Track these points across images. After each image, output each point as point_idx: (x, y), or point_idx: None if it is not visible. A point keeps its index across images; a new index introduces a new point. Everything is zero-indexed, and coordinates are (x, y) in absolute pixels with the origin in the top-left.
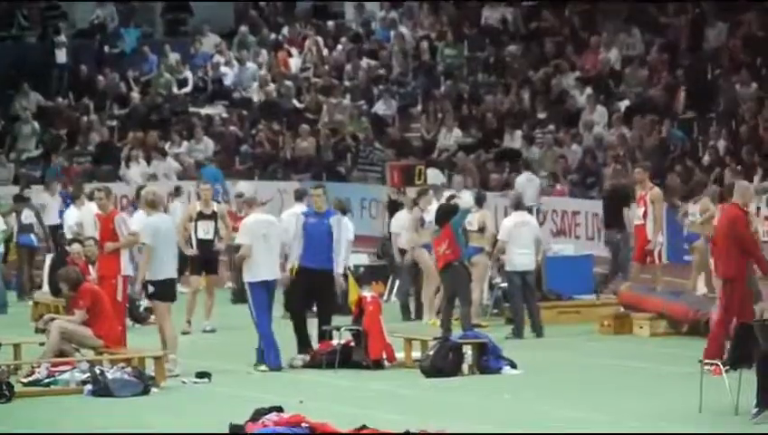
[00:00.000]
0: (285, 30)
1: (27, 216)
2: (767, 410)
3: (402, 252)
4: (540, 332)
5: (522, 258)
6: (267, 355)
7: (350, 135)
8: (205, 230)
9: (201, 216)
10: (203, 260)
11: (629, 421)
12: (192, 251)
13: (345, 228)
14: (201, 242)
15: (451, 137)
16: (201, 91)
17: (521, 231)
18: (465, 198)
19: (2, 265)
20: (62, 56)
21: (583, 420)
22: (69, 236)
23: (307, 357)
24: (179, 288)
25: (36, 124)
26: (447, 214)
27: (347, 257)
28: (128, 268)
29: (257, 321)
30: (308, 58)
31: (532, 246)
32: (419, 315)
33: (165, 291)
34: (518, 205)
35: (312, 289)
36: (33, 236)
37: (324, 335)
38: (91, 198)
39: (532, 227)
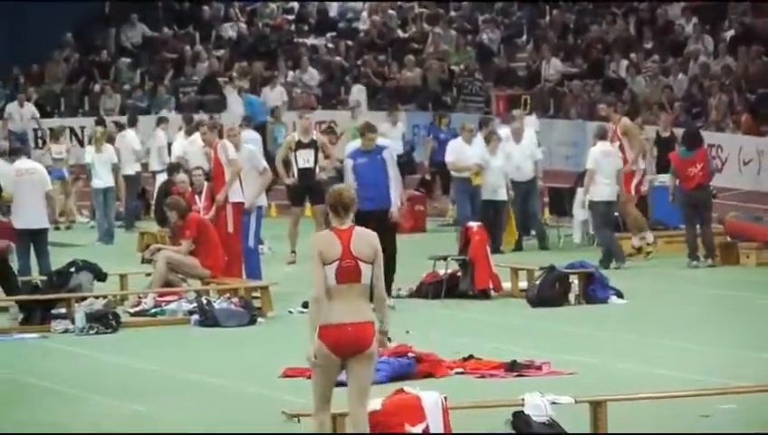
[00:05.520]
0: None
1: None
2: None
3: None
4: (621, 261)
5: (606, 188)
6: None
7: (455, 65)
8: (305, 159)
9: (300, 145)
10: (305, 189)
11: (732, 350)
12: (291, 180)
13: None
14: (302, 171)
15: (556, 67)
16: (306, 22)
17: (606, 161)
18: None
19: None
20: None
21: (686, 350)
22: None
23: (413, 287)
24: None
25: (142, 55)
26: (699, 137)
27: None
28: (236, 195)
29: None
30: None
31: (614, 177)
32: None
33: None
34: (603, 135)
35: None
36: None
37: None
38: (197, 128)
39: (616, 159)
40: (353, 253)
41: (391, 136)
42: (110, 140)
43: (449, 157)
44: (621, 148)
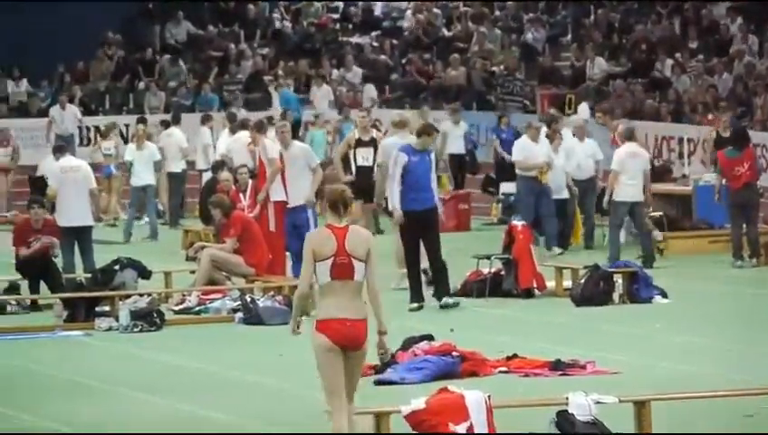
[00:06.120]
0: None
1: (170, 144)
2: None
3: None
4: (650, 263)
5: (630, 189)
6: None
7: (499, 64)
8: (364, 157)
9: (360, 143)
10: (360, 187)
11: None
12: (348, 177)
13: None
14: (360, 169)
15: (600, 66)
16: (351, 21)
17: (632, 162)
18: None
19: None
20: None
21: (730, 350)
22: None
23: (457, 286)
24: None
25: (187, 53)
26: (747, 136)
27: None
28: (278, 194)
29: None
30: None
31: (640, 178)
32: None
33: None
34: (630, 136)
35: (419, 233)
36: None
37: (439, 277)
38: (242, 126)
39: (643, 159)
40: (347, 250)
41: (454, 135)
42: (150, 137)
43: (517, 155)
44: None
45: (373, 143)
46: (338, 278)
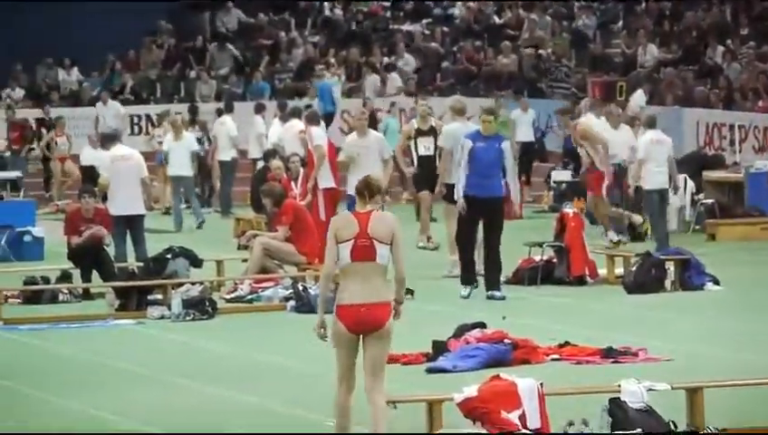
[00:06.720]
0: None
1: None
2: None
3: None
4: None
5: (659, 176)
6: None
7: (550, 51)
8: (426, 146)
9: (420, 132)
10: (425, 177)
11: None
12: (411, 170)
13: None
14: (422, 159)
15: (652, 53)
16: (402, 8)
17: (657, 149)
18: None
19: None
20: None
21: None
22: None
23: (509, 274)
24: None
25: (237, 41)
26: None
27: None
28: (326, 181)
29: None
30: None
31: (666, 165)
32: None
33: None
34: (652, 123)
35: (478, 220)
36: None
37: (491, 269)
38: (293, 114)
39: (668, 146)
40: (369, 233)
41: (522, 122)
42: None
43: None
44: (587, 153)
45: (433, 132)
46: (359, 260)
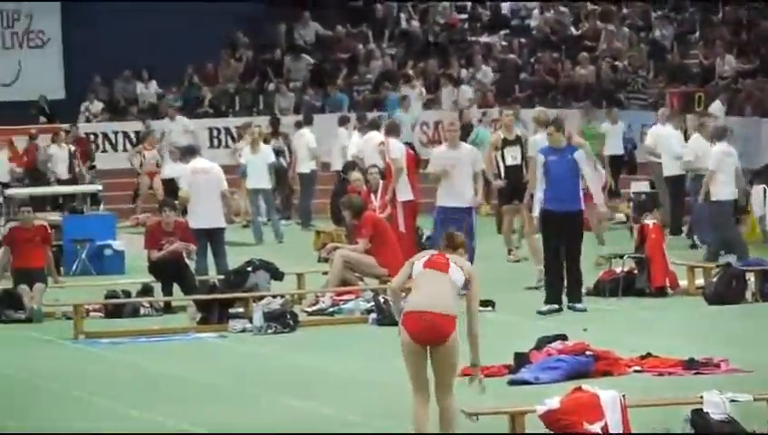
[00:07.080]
0: None
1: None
2: None
3: None
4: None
5: (728, 188)
6: None
7: (627, 62)
8: (513, 156)
9: (506, 142)
10: (514, 186)
11: None
12: (500, 183)
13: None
14: (510, 169)
15: (730, 64)
16: (479, 20)
17: (728, 160)
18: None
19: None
20: None
21: None
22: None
23: (590, 286)
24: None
25: (315, 53)
26: None
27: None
28: (404, 194)
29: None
30: None
31: (734, 176)
32: None
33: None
34: (722, 135)
35: (558, 235)
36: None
37: (573, 283)
38: (372, 126)
39: (735, 158)
40: (447, 256)
41: (612, 134)
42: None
43: (689, 156)
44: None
45: (519, 141)
46: (430, 268)
